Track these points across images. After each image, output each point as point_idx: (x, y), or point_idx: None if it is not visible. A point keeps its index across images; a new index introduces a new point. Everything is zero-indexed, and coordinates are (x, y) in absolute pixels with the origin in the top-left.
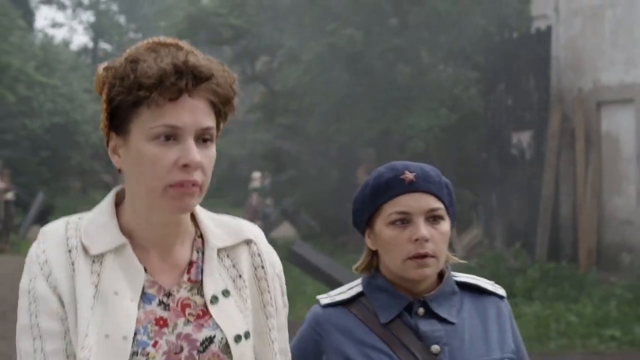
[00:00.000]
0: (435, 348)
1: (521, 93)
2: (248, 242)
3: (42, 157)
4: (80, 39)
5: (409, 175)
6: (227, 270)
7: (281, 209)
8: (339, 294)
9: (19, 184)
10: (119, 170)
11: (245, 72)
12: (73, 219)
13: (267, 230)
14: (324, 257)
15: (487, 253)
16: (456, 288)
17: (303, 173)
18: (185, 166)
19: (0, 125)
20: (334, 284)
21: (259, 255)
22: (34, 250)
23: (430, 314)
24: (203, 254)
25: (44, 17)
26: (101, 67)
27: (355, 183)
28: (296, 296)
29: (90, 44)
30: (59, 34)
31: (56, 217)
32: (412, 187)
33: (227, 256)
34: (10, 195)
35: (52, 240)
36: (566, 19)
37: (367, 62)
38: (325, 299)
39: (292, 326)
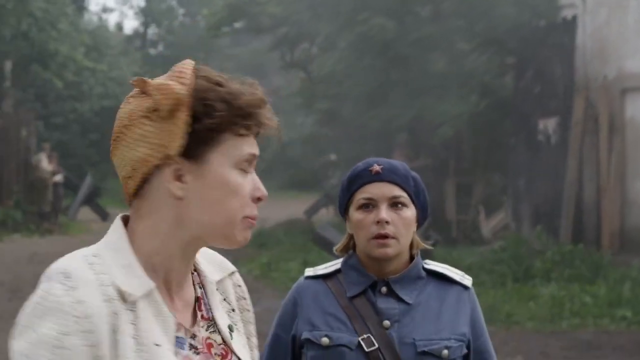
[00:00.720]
0: (386, 323)
1: (548, 80)
2: (231, 274)
3: (91, 139)
4: (131, 23)
5: (376, 167)
6: (222, 304)
7: (324, 193)
8: (322, 269)
9: (68, 166)
10: (180, 198)
11: (284, 59)
12: (92, 258)
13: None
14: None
15: (511, 236)
16: (422, 274)
17: (342, 157)
18: (259, 199)
19: (50, 109)
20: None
21: (239, 286)
22: (64, 297)
23: (392, 294)
24: (203, 288)
25: (95, 2)
26: (172, 83)
27: None
28: None
29: (141, 29)
30: (111, 19)
31: (105, 199)
32: (377, 177)
33: (218, 290)
34: (59, 178)
35: (86, 287)
36: (592, 8)
37: (399, 51)
38: (309, 272)
39: None
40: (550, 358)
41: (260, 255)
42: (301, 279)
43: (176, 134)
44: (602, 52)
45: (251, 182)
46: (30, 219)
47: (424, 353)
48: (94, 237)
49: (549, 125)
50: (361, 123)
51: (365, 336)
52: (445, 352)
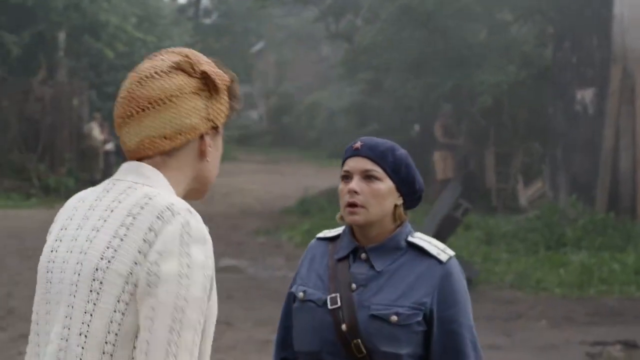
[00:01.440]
0: (353, 286)
1: (585, 51)
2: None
3: None
4: None
5: (357, 144)
6: None
7: None
8: (331, 232)
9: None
10: (206, 159)
11: (329, 30)
12: (177, 197)
13: None
14: None
15: (546, 204)
16: (402, 245)
17: (384, 126)
18: None
19: (103, 78)
20: None
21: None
22: (204, 230)
23: (368, 261)
24: None
25: None
26: (227, 77)
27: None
28: None
29: None
30: None
31: None
32: (356, 152)
33: None
34: (110, 146)
35: (201, 220)
36: None
37: (440, 22)
38: (322, 233)
39: None
40: (573, 323)
41: (303, 223)
42: (314, 239)
43: (223, 112)
44: (639, 22)
45: None
46: (83, 186)
47: (373, 317)
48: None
49: (586, 95)
50: (403, 93)
51: (333, 295)
52: (394, 317)
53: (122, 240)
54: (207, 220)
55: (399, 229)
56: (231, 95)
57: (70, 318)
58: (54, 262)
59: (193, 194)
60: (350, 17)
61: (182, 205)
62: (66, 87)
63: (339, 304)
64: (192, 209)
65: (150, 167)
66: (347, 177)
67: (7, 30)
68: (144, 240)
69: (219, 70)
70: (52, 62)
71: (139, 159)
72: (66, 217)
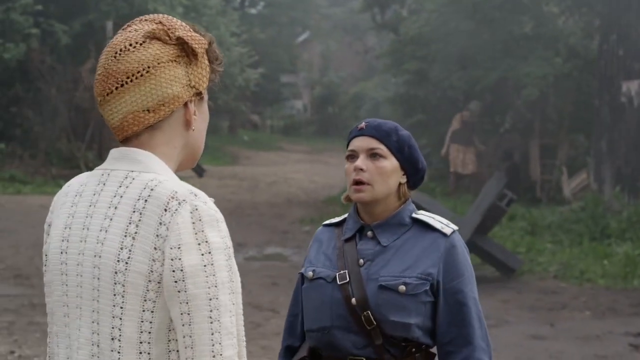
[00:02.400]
0: (360, 262)
1: (631, 43)
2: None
3: None
4: None
5: (362, 124)
6: None
7: None
8: (336, 219)
9: None
10: (193, 129)
11: (375, 20)
12: (180, 180)
13: None
14: (427, 197)
15: (590, 196)
16: (406, 221)
17: (430, 117)
18: None
19: None
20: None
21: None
22: (210, 210)
23: (374, 238)
24: None
25: None
26: (204, 40)
27: (483, 127)
28: None
29: None
30: None
31: (205, 156)
32: (360, 132)
33: None
34: None
35: (208, 200)
36: None
37: (487, 13)
38: (327, 221)
39: None
40: (617, 314)
41: (346, 212)
42: (320, 226)
43: (204, 76)
44: None
45: None
46: None
47: (383, 287)
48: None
49: (631, 87)
50: (448, 84)
51: (342, 272)
52: (402, 287)
53: (134, 239)
54: (252, 208)
55: (403, 206)
56: (211, 58)
57: (98, 323)
58: (66, 264)
59: (184, 165)
60: (396, 7)
61: (185, 190)
62: None
63: (348, 279)
64: (196, 191)
65: (140, 150)
66: (352, 156)
67: (57, 20)
68: (157, 236)
69: (195, 34)
70: (101, 51)
71: (126, 137)
72: (67, 214)
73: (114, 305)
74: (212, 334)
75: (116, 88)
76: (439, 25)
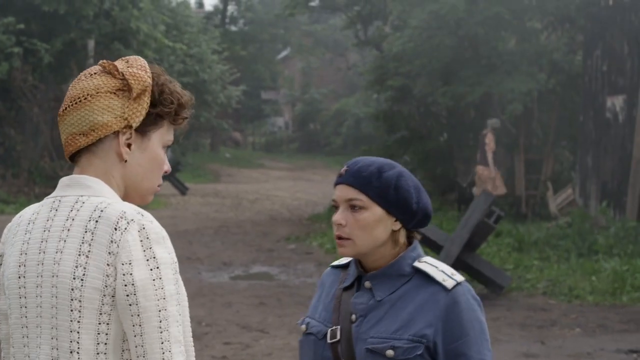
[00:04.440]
0: (353, 317)
1: (616, 59)
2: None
3: None
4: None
5: (343, 170)
6: None
7: None
8: (344, 259)
9: None
10: (125, 161)
11: (358, 37)
12: (125, 203)
13: None
14: None
15: (576, 212)
16: (406, 271)
17: (414, 133)
18: (166, 172)
19: None
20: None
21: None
22: (158, 228)
23: (371, 289)
24: None
25: None
26: (146, 74)
27: (466, 144)
28: None
29: (220, 6)
30: None
31: (187, 173)
32: (340, 180)
33: None
34: None
35: (154, 219)
36: None
37: (470, 29)
38: (336, 262)
39: None
40: (607, 330)
41: (332, 230)
42: (329, 267)
43: (139, 112)
44: None
45: (165, 160)
46: None
47: (369, 351)
48: (173, 211)
49: (616, 103)
50: (432, 100)
51: (333, 328)
52: (390, 352)
53: (87, 257)
54: (237, 226)
55: (404, 253)
56: (155, 100)
57: (57, 339)
58: (24, 287)
59: (132, 200)
60: (379, 24)
61: (132, 210)
62: None
63: (338, 337)
64: (142, 211)
65: (89, 177)
66: (335, 207)
67: (39, 38)
68: (109, 253)
69: (139, 72)
70: (83, 70)
71: (70, 157)
72: (21, 242)
73: (71, 320)
74: (162, 343)
75: (63, 111)
76: (422, 41)
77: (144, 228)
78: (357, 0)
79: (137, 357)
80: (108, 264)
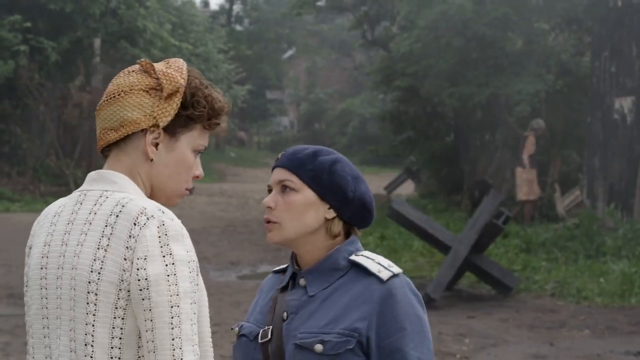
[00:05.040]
0: (284, 315)
1: (624, 60)
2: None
3: None
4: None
5: (280, 154)
6: None
7: (405, 168)
8: (284, 265)
9: None
10: (151, 160)
11: (365, 37)
12: (147, 199)
13: None
14: (420, 214)
15: (584, 213)
16: (341, 265)
17: (420, 134)
18: (197, 177)
19: None
20: (429, 238)
21: None
22: (178, 225)
23: (305, 286)
24: None
25: None
26: (177, 74)
27: (473, 145)
28: (403, 250)
29: (226, 5)
30: None
31: None
32: (276, 163)
33: None
34: None
35: (175, 217)
36: None
37: (477, 30)
38: (276, 267)
39: None
40: (616, 332)
41: None
42: (270, 273)
43: (168, 112)
44: None
45: (196, 164)
46: None
47: (298, 347)
48: (179, 210)
49: (624, 104)
50: (439, 101)
51: (265, 328)
52: (319, 346)
53: (106, 250)
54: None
55: (339, 246)
56: (187, 103)
57: (74, 331)
58: (46, 278)
59: (159, 200)
60: (386, 24)
61: (153, 206)
62: (102, 92)
63: (269, 336)
64: (163, 208)
65: (115, 172)
66: (269, 190)
67: (45, 37)
68: (127, 248)
69: (173, 73)
70: (89, 68)
71: (102, 151)
72: (46, 233)
73: (87, 313)
74: (173, 340)
75: (99, 105)
76: (430, 42)
77: (163, 224)
78: (364, 0)
79: (148, 352)
80: (125, 259)
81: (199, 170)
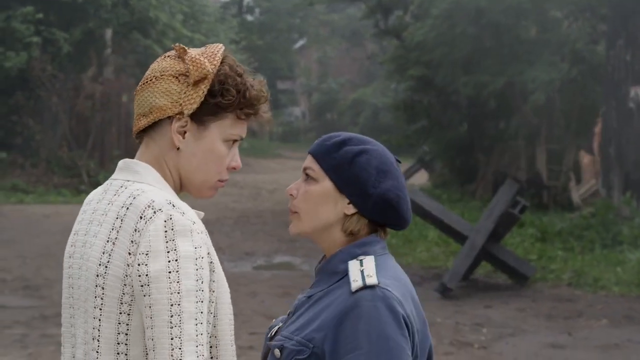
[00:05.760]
0: (290, 312)
1: (639, 49)
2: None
3: None
4: None
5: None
6: None
7: (418, 157)
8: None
9: None
10: (178, 148)
11: (378, 26)
12: (162, 192)
13: None
14: (436, 204)
15: (600, 202)
16: (339, 268)
17: (434, 123)
18: (234, 168)
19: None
20: (445, 228)
21: None
22: (185, 220)
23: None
24: None
25: None
26: (205, 61)
27: (487, 134)
28: (418, 240)
29: None
30: None
31: None
32: (308, 149)
33: None
34: None
35: (189, 211)
36: None
37: (492, 18)
38: None
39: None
40: (635, 321)
41: None
42: None
43: (194, 100)
44: None
45: (231, 154)
46: None
47: (271, 349)
48: (192, 200)
49: (639, 92)
50: (453, 89)
51: (278, 325)
52: (277, 352)
53: (113, 244)
54: (256, 216)
55: (343, 247)
56: (215, 91)
57: (86, 323)
58: (72, 267)
59: (189, 191)
60: (399, 13)
61: (163, 200)
62: (114, 83)
63: (273, 334)
64: (175, 201)
65: (140, 162)
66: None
67: (57, 27)
68: (132, 242)
69: (201, 59)
70: (101, 59)
71: (136, 137)
72: (78, 222)
73: (94, 307)
74: (172, 339)
75: (136, 90)
76: (444, 30)
77: (170, 218)
78: None
79: (149, 350)
80: (130, 253)
81: (235, 161)
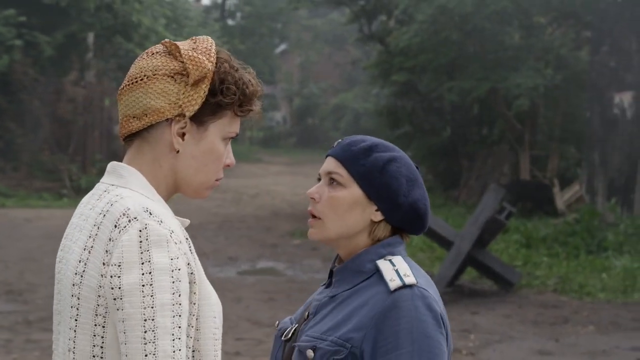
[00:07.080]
0: (306, 314)
1: (624, 55)
2: None
3: None
4: None
5: (336, 142)
6: None
7: None
8: None
9: None
10: (177, 151)
11: (362, 31)
12: (145, 198)
13: None
14: None
15: (584, 208)
16: (366, 268)
17: (417, 129)
18: (228, 166)
19: None
20: (430, 233)
21: None
22: (161, 229)
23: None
24: None
25: None
26: (204, 58)
27: (470, 140)
28: None
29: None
30: None
31: None
32: (329, 152)
33: None
34: None
35: (167, 219)
36: None
37: (476, 24)
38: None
39: None
40: (620, 328)
41: None
42: None
43: (195, 100)
44: None
45: (226, 152)
46: None
47: (298, 349)
48: (175, 205)
49: (624, 99)
50: (437, 95)
51: (293, 325)
52: (310, 352)
53: (89, 252)
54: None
55: (369, 247)
56: (216, 89)
57: (65, 333)
58: (60, 272)
59: (186, 193)
60: (383, 18)
61: (139, 207)
62: (96, 87)
63: (289, 335)
64: (152, 210)
65: (127, 166)
66: (319, 179)
67: (40, 31)
68: (106, 252)
69: (200, 57)
70: (83, 63)
71: (124, 140)
72: (69, 224)
73: (70, 318)
74: (146, 356)
75: (121, 90)
76: (428, 36)
77: (146, 228)
78: None
79: None
80: (104, 263)
81: (230, 159)
